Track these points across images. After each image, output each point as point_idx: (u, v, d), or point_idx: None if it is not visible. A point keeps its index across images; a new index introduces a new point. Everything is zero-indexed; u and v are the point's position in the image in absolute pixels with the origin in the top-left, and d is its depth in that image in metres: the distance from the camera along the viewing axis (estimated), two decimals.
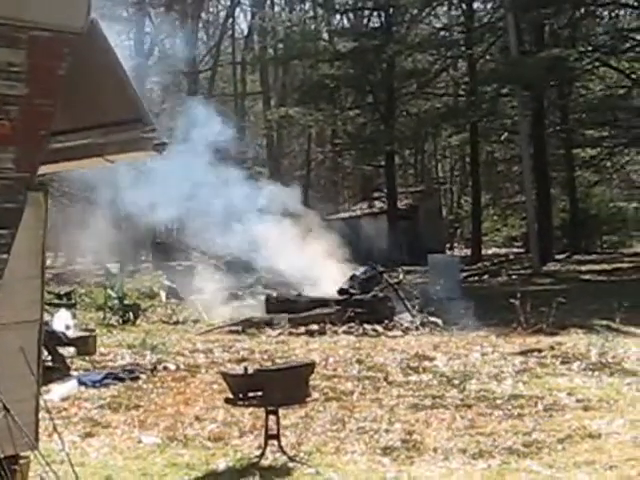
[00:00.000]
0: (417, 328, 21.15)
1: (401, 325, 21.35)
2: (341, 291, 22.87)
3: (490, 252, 47.66)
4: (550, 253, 39.67)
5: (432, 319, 21.74)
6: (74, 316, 20.30)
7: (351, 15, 54.05)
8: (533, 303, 19.63)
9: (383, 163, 48.20)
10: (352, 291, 22.80)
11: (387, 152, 45.54)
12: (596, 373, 14.36)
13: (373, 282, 23.59)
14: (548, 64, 36.70)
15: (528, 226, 39.65)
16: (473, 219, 46.92)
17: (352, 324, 21.21)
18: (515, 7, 37.33)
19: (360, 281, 23.29)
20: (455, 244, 53.53)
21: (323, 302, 22.47)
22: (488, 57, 46.31)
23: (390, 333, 20.63)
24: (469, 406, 12.26)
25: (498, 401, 12.49)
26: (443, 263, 29.33)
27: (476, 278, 34.91)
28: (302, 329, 21.09)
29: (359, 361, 16.14)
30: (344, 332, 20.72)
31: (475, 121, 43.69)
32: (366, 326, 21.00)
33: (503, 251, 48.84)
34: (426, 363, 15.72)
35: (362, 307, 21.83)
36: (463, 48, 45.51)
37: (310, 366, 10.55)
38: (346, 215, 47.95)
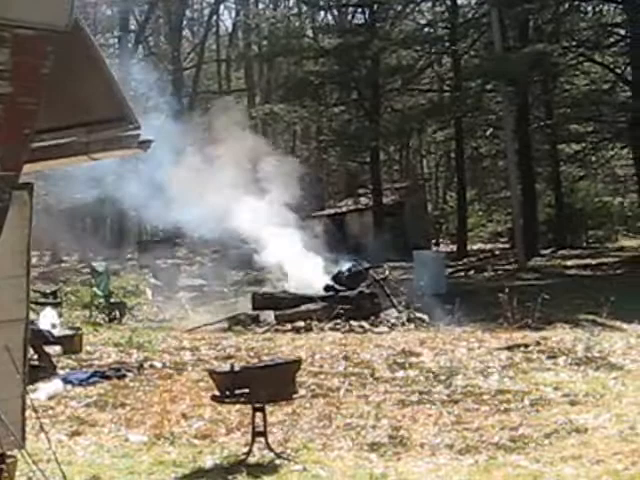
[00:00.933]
0: (403, 324, 21.18)
1: (387, 321, 21.37)
2: (327, 287, 22.87)
3: (475, 247, 47.65)
4: (535, 248, 39.74)
5: (418, 315, 21.77)
6: (60, 315, 20.29)
7: (335, 12, 54.08)
8: (519, 298, 19.65)
9: (368, 159, 48.14)
10: (338, 287, 22.80)
11: (372, 148, 45.49)
12: (582, 368, 14.38)
13: (359, 278, 23.59)
14: (532, 59, 36.73)
15: (513, 221, 39.70)
16: (458, 215, 46.92)
17: (338, 320, 21.22)
18: (499, 3, 37.39)
19: (346, 277, 23.30)
20: (441, 240, 53.46)
21: (309, 299, 22.45)
22: (472, 53, 46.28)
23: (376, 329, 20.65)
24: (456, 402, 12.27)
25: (485, 396, 12.50)
26: (429, 259, 29.34)
27: (462, 274, 34.93)
28: (288, 326, 21.09)
29: (345, 357, 16.14)
30: (330, 329, 20.72)
31: (460, 117, 43.69)
32: (352, 322, 21.01)
33: (488, 246, 48.82)
34: (412, 359, 15.72)
35: (348, 303, 21.83)
36: (447, 44, 45.46)
37: (296, 363, 10.55)
38: (331, 212, 47.91)
